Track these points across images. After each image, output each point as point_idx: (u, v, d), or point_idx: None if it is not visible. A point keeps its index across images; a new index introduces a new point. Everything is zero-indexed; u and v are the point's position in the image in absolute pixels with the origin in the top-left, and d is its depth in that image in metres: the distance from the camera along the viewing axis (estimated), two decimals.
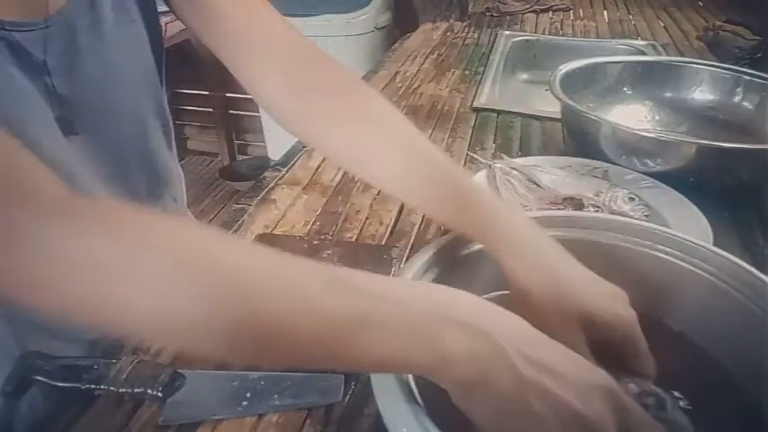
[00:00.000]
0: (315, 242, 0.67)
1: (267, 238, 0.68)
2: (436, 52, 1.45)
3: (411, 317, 0.31)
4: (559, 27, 1.66)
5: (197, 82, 2.76)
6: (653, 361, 0.41)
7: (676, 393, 0.39)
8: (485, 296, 0.40)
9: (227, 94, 2.76)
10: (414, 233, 0.70)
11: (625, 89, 1.01)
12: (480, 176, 0.75)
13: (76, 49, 0.55)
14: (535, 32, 1.61)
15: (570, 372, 0.32)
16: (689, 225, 0.64)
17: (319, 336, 0.29)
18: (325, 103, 0.54)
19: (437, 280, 0.46)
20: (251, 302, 0.29)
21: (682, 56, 1.34)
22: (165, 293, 0.28)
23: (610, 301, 0.42)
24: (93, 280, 0.28)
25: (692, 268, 0.45)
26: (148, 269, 0.28)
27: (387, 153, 0.50)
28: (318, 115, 0.54)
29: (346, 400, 0.47)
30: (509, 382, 0.30)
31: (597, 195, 0.72)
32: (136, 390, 0.45)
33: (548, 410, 0.31)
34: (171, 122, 0.71)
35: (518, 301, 0.43)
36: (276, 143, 2.37)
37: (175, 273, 0.29)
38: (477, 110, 1.08)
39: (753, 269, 0.42)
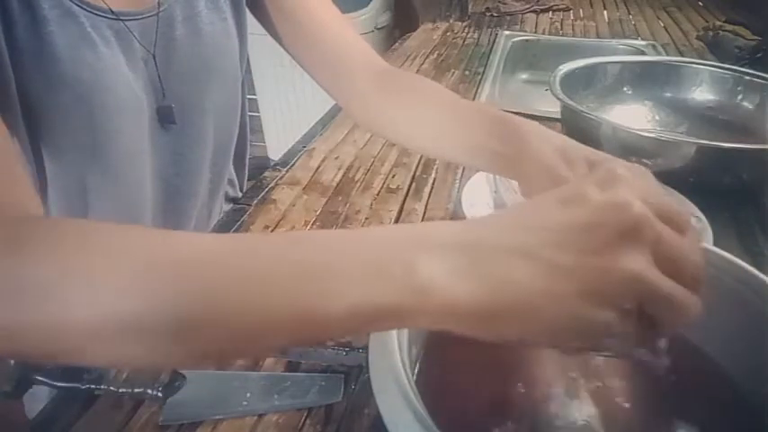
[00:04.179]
0: None
1: None
2: (436, 52, 1.45)
3: (368, 255, 0.27)
4: (559, 27, 1.66)
5: None
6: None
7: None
8: None
9: None
10: None
11: (625, 89, 1.01)
12: (480, 177, 0.75)
13: (174, 40, 0.56)
14: (535, 32, 1.61)
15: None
16: None
17: (280, 304, 0.26)
18: (404, 103, 0.58)
19: None
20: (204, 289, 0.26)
21: (682, 56, 1.34)
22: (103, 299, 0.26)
23: None
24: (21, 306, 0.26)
25: None
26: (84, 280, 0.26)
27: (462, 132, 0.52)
28: (400, 113, 0.58)
29: (346, 400, 0.47)
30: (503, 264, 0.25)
31: None
32: (136, 390, 0.45)
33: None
34: (244, 128, 0.75)
35: None
36: (276, 143, 2.36)
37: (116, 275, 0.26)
38: None
39: (753, 269, 0.41)
